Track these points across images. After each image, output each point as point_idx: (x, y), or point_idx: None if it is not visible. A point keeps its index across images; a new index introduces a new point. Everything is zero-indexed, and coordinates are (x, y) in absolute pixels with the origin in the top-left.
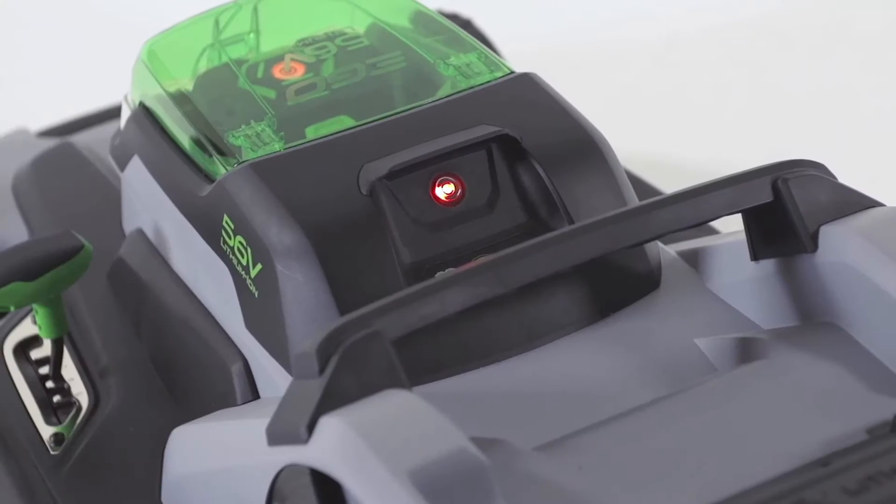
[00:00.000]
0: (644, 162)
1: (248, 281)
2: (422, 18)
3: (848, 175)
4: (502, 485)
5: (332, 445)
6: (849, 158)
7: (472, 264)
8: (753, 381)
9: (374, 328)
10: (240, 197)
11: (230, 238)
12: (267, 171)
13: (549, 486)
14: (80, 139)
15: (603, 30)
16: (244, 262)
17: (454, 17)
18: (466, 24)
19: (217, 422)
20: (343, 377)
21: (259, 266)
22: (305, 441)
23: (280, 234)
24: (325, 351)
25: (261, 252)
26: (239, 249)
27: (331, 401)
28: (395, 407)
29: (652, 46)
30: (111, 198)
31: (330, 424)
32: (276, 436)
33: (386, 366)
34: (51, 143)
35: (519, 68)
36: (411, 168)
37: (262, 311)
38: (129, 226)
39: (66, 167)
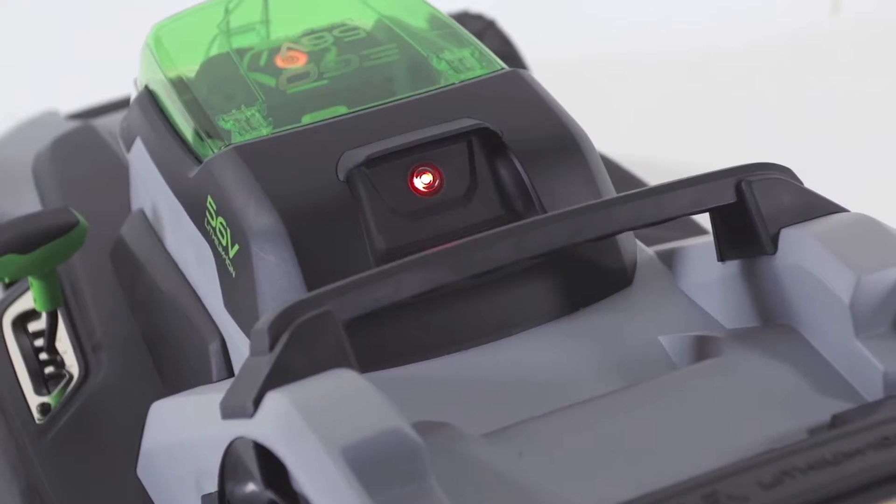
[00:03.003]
0: (667, 171)
1: (227, 261)
2: (424, 14)
3: (876, 194)
4: (441, 466)
5: (272, 420)
6: (880, 175)
7: (430, 251)
8: (702, 377)
9: (325, 308)
10: (222, 179)
11: (213, 219)
12: (250, 154)
13: (486, 470)
14: (103, 122)
15: (637, 41)
16: (224, 243)
17: (478, 18)
18: (489, 26)
19: (187, 397)
20: (292, 355)
21: (237, 247)
22: (251, 415)
23: (257, 215)
24: (277, 328)
25: (239, 233)
26: (220, 230)
27: (278, 377)
28: (338, 386)
29: (686, 58)
30: (125, 180)
31: (272, 400)
32: (228, 410)
33: (335, 346)
34: (73, 125)
35: (552, 75)
36: (389, 157)
37: (238, 290)
38: (135, 206)
39: (84, 149)
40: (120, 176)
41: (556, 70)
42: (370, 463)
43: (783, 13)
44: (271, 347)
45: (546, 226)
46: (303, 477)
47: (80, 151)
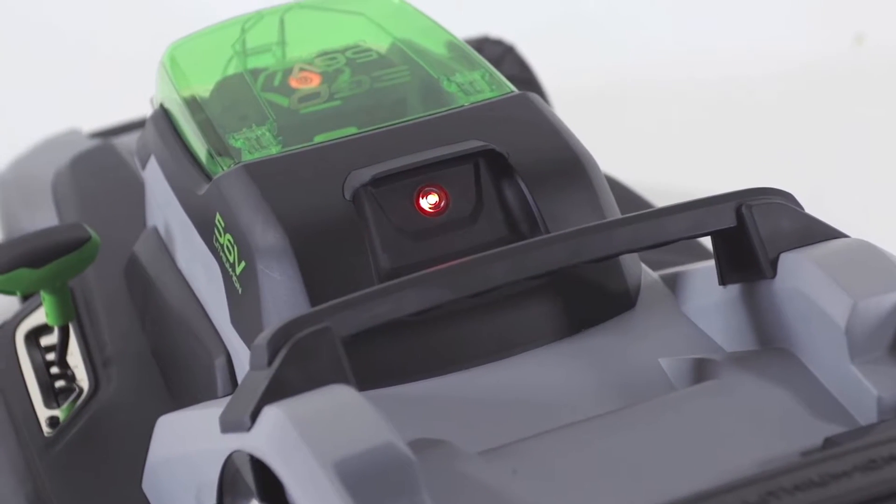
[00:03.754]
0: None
1: (234, 278)
2: (439, 38)
3: None
4: (435, 483)
5: (267, 433)
6: None
7: (429, 270)
8: (697, 399)
9: (324, 324)
10: (231, 196)
11: (221, 236)
12: (258, 172)
13: (479, 486)
14: (123, 141)
15: (657, 69)
16: (231, 260)
17: (497, 43)
18: (509, 51)
19: (190, 411)
20: (289, 370)
21: (243, 263)
22: (248, 429)
23: (263, 233)
24: (276, 344)
25: (245, 250)
26: (227, 247)
27: (276, 392)
28: (334, 401)
29: (706, 87)
30: (142, 198)
31: (269, 414)
32: (226, 424)
33: (333, 361)
34: (94, 143)
35: (571, 102)
36: (396, 177)
37: (244, 307)
38: (149, 224)
39: (102, 167)
40: (137, 194)
41: (575, 97)
42: (362, 477)
43: (805, 44)
44: (270, 362)
45: (545, 247)
46: (296, 490)
47: (99, 169)
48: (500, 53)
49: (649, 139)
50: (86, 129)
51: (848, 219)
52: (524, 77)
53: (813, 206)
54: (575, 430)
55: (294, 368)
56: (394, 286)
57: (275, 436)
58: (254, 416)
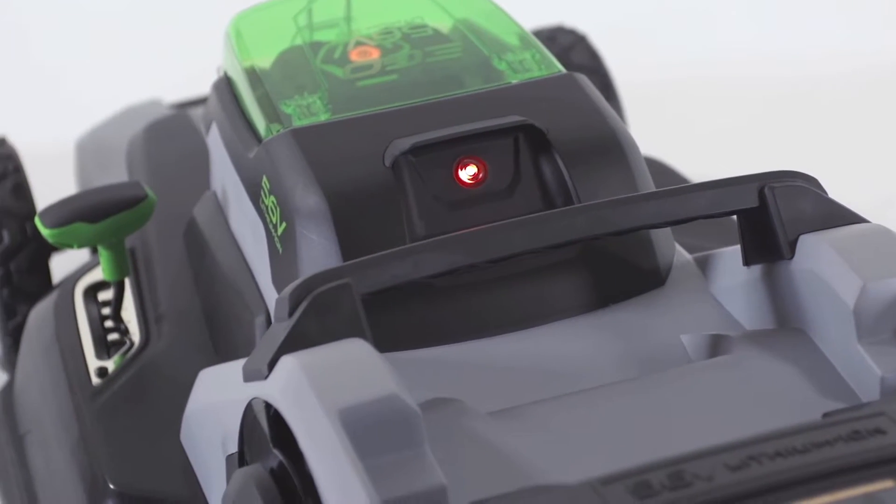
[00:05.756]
0: None
1: (276, 238)
2: (497, 19)
3: None
4: (440, 437)
5: (280, 381)
6: None
7: (450, 234)
8: (706, 372)
9: (345, 281)
10: (276, 159)
11: (266, 197)
12: (304, 137)
13: (483, 443)
14: (198, 112)
15: (728, 67)
16: (274, 221)
17: (570, 33)
18: (580, 41)
19: (225, 365)
20: (308, 322)
21: (284, 224)
22: (265, 377)
23: (304, 196)
24: (297, 297)
25: (287, 211)
26: (271, 208)
27: (294, 342)
28: (348, 354)
29: (776, 86)
30: (208, 164)
31: (284, 363)
32: (248, 373)
33: (351, 316)
34: (169, 112)
35: (639, 95)
36: (436, 147)
37: (284, 267)
38: (211, 188)
39: (174, 134)
40: (204, 161)
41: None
42: (365, 426)
43: (870, 44)
44: (290, 314)
45: (565, 217)
46: (302, 436)
47: (171, 136)
48: (571, 42)
49: (714, 135)
50: (169, 100)
51: None
52: (593, 66)
53: (879, 216)
54: (584, 395)
55: (313, 321)
56: (413, 248)
57: (286, 383)
58: (271, 365)
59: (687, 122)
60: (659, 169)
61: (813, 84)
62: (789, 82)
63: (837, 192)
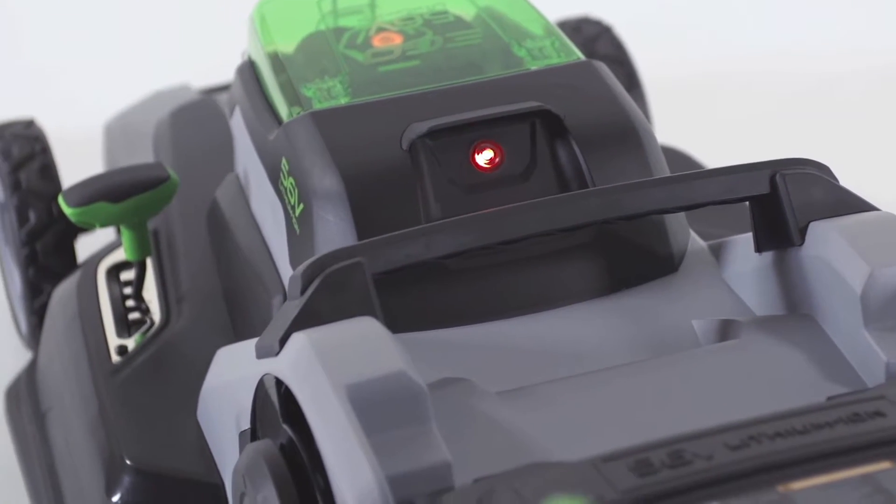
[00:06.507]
0: None
1: (294, 219)
2: (520, 8)
3: None
4: (447, 415)
5: (290, 357)
6: None
7: (463, 216)
8: (715, 356)
9: (357, 260)
10: (295, 141)
11: (285, 179)
12: (323, 120)
13: (490, 421)
14: (224, 97)
15: (755, 62)
16: (292, 202)
17: (596, 23)
18: (605, 31)
19: (241, 343)
20: (320, 300)
21: (302, 206)
22: (276, 354)
23: (321, 177)
24: (310, 275)
25: (304, 193)
26: (290, 189)
27: (305, 320)
28: (357, 331)
29: (805, 81)
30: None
31: (295, 339)
32: (260, 349)
33: (362, 295)
34: (197, 97)
35: (664, 87)
36: (453, 131)
37: (301, 248)
38: (235, 171)
39: (200, 119)
40: (229, 145)
41: (671, 84)
42: (372, 402)
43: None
44: (302, 292)
45: (577, 201)
46: (310, 411)
47: (197, 120)
48: (596, 32)
49: (740, 130)
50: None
51: None
52: (618, 57)
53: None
54: (591, 376)
55: (324, 299)
56: (426, 229)
57: (296, 359)
58: (283, 341)
59: (712, 114)
60: (679, 158)
61: (838, 79)
62: (815, 77)
63: (860, 185)
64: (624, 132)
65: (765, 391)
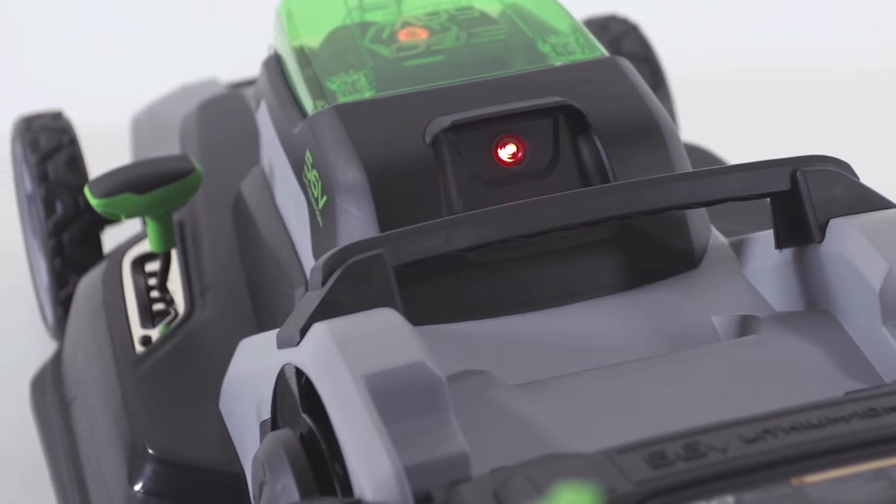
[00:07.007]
0: None
1: (317, 212)
2: (546, 5)
3: None
4: (466, 406)
5: (310, 347)
6: None
7: (483, 210)
8: (733, 350)
9: (378, 251)
10: (319, 134)
11: (309, 171)
12: (347, 113)
13: (508, 413)
14: (251, 91)
15: (782, 60)
16: (315, 195)
17: (622, 21)
18: (632, 29)
19: (263, 335)
20: (341, 291)
21: (325, 198)
22: (297, 344)
23: (344, 170)
24: (331, 266)
25: (328, 185)
26: (313, 182)
27: (326, 310)
28: (378, 322)
29: (832, 79)
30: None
31: (316, 330)
32: (281, 339)
33: (383, 286)
34: (223, 91)
35: (690, 86)
36: (476, 125)
37: (324, 240)
38: (261, 164)
39: (226, 112)
40: (254, 138)
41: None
42: (391, 392)
43: None
44: (324, 283)
45: (597, 195)
46: (329, 401)
47: (223, 114)
48: (623, 31)
49: (766, 128)
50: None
51: None
52: (644, 55)
53: None
54: (610, 370)
55: (345, 290)
56: (446, 222)
57: (316, 349)
58: (303, 331)
59: (738, 112)
60: (703, 156)
61: (860, 77)
62: (840, 75)
63: (881, 183)
64: (646, 128)
65: (783, 386)
